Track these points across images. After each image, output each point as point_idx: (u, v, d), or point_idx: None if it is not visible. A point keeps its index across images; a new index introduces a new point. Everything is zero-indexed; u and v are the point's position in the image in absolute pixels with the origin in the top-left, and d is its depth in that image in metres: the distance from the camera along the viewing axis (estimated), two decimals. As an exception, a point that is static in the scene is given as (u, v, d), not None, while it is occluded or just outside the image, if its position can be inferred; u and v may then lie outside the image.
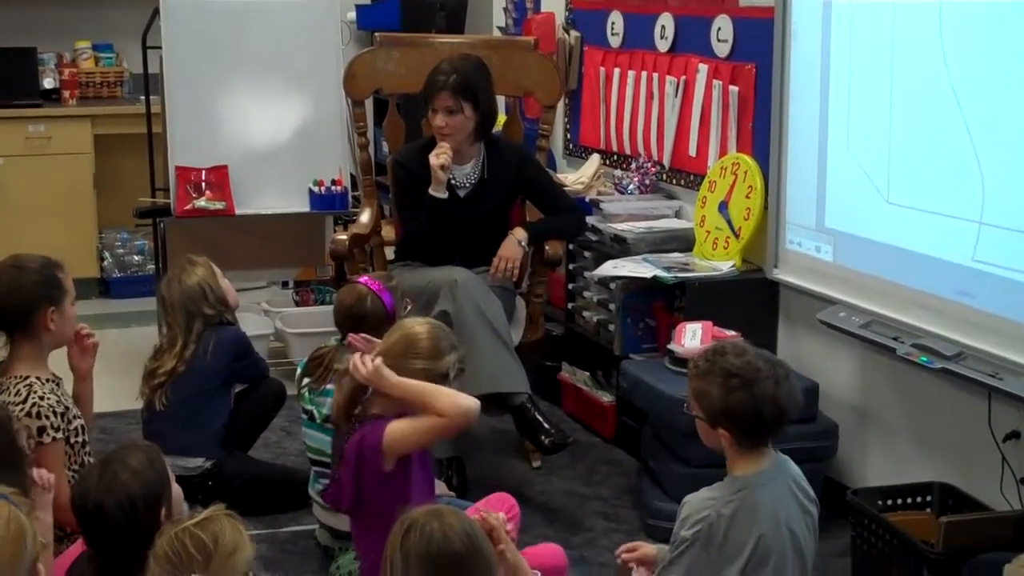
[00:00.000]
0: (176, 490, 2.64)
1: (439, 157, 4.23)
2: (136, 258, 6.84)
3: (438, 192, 4.26)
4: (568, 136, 5.60)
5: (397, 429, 2.97)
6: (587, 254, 4.83)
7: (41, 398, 3.26)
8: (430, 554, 2.27)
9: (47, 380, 3.35)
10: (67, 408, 3.33)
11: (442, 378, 3.05)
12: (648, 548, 2.94)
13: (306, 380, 3.71)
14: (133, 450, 2.61)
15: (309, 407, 3.70)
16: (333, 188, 5.38)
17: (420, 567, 2.26)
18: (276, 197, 5.39)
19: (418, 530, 2.28)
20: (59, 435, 3.25)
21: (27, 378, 3.30)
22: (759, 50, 4.22)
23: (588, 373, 4.92)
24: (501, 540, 2.70)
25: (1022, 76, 3.15)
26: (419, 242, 4.41)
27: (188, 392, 3.99)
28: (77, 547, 2.73)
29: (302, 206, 5.41)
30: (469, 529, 2.32)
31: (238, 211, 5.29)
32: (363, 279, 3.76)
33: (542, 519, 4.03)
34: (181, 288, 4.03)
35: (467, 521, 2.35)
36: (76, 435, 3.34)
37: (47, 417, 3.23)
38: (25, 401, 3.23)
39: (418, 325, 3.14)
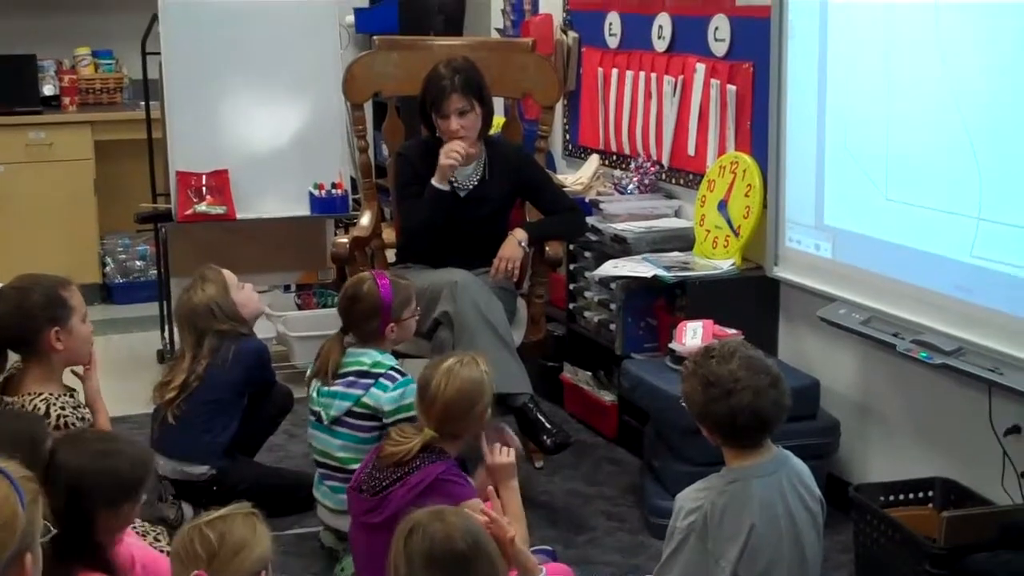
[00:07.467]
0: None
1: (449, 156, 4.19)
2: (138, 263, 6.85)
3: (441, 184, 4.25)
4: (567, 137, 5.61)
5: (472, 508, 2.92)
6: (587, 254, 4.84)
7: (63, 408, 3.31)
8: (434, 554, 2.27)
9: (60, 395, 3.38)
10: (83, 417, 3.37)
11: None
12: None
13: (314, 381, 3.73)
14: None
15: (317, 408, 3.70)
16: (333, 191, 5.39)
17: (424, 568, 2.27)
18: (277, 201, 5.41)
19: (421, 531, 2.29)
20: None
21: (41, 394, 3.34)
22: (756, 49, 4.23)
23: (590, 373, 4.93)
24: (507, 531, 2.75)
25: (1019, 72, 3.16)
26: (419, 235, 4.36)
27: (201, 401, 3.97)
28: None
29: (303, 210, 5.43)
30: (472, 528, 2.32)
31: (239, 215, 5.32)
32: (374, 270, 3.77)
33: (545, 519, 4.03)
34: (190, 306, 4.03)
35: (470, 521, 2.36)
36: None
37: (72, 426, 3.27)
38: (48, 415, 3.26)
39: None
